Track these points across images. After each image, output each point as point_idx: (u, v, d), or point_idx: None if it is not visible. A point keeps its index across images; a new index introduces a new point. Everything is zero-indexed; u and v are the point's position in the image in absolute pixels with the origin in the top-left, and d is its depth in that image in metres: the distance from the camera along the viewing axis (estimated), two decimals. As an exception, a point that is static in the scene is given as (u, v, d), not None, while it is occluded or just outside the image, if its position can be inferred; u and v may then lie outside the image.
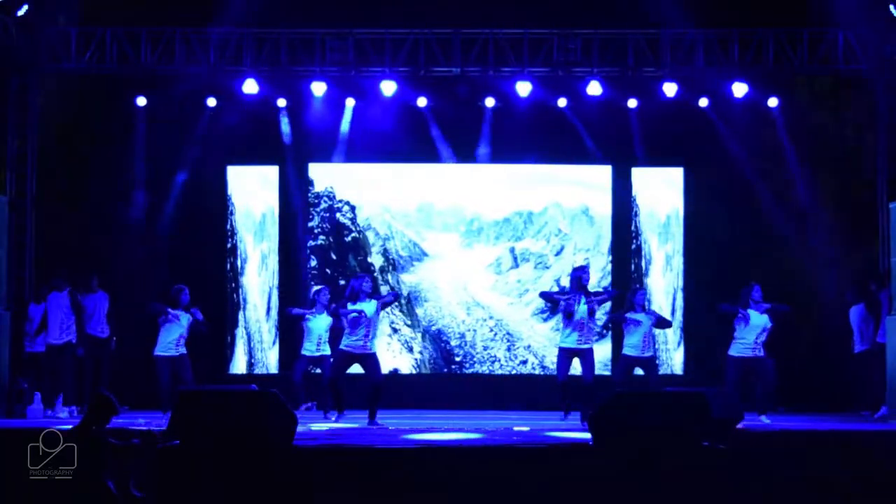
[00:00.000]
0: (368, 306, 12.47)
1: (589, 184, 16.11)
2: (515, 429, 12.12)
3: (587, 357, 12.65)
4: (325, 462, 9.75)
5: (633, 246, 16.09)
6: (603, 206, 16.09)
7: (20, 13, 13.12)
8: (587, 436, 10.25)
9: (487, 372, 15.98)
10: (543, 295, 13.46)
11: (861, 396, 13.95)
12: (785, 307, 13.07)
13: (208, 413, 9.77)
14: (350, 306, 12.45)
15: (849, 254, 15.01)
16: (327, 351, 13.78)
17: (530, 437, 11.16)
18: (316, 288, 14.41)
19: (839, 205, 15.36)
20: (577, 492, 9.59)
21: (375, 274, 15.95)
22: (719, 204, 15.70)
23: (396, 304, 14.76)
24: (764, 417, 12.86)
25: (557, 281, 15.48)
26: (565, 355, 12.71)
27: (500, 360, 15.99)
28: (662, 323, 13.57)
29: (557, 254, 15.98)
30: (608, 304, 13.82)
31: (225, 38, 13.97)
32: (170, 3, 14.22)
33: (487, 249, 16.10)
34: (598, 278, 15.71)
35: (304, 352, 13.87)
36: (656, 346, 13.95)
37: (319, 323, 13.73)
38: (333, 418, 12.78)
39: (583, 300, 12.58)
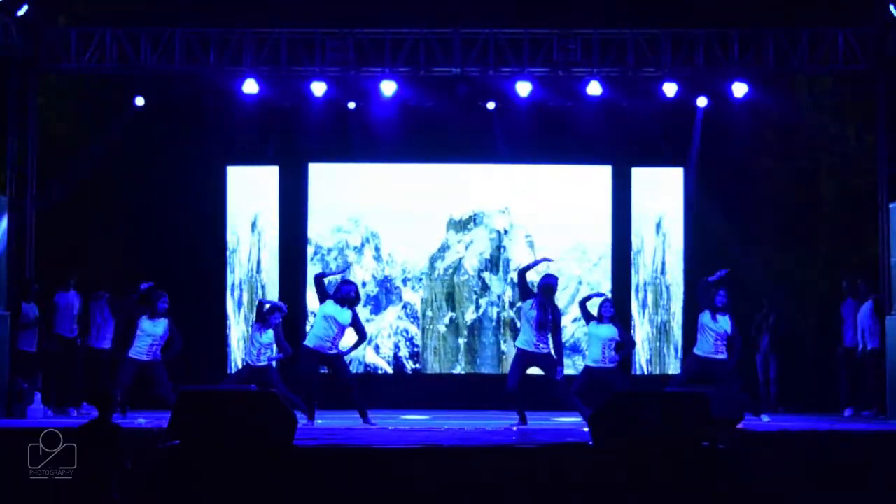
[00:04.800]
0: (344, 315, 12.64)
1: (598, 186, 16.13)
2: (515, 429, 12.13)
3: (545, 363, 12.55)
4: (325, 462, 9.75)
5: (633, 246, 16.08)
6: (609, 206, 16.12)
7: (20, 13, 13.11)
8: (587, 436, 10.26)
9: (493, 372, 15.96)
10: (522, 272, 12.86)
11: (861, 396, 13.95)
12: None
13: (208, 413, 9.78)
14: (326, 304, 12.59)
15: (849, 254, 15.01)
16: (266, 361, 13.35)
17: (530, 436, 11.16)
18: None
19: (839, 205, 15.36)
20: (577, 492, 9.59)
21: (373, 274, 15.98)
22: (719, 204, 15.70)
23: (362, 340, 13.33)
24: (764, 417, 12.87)
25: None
26: (520, 359, 12.57)
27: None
28: (624, 345, 13.10)
29: (578, 259, 16.00)
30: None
31: (225, 38, 13.97)
32: (170, 3, 14.21)
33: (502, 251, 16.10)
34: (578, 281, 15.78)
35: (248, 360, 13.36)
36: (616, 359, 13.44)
37: (266, 337, 13.19)
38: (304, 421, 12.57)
39: (547, 308, 12.51)
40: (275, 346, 13.11)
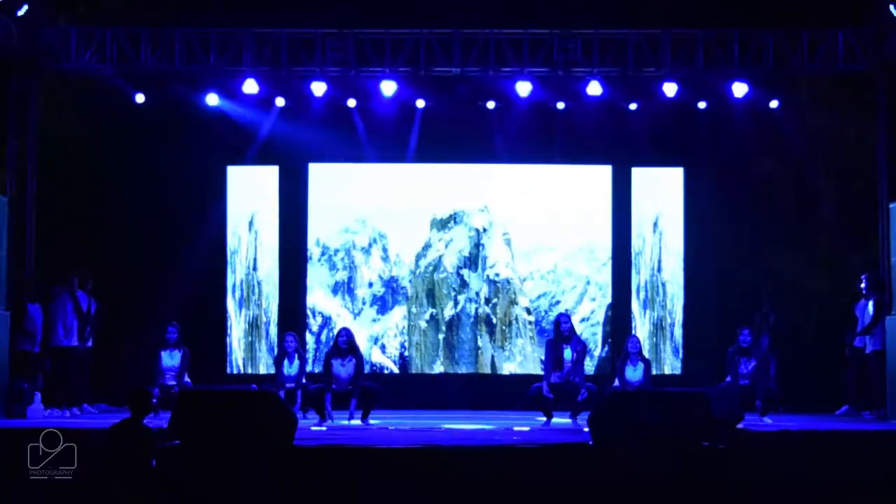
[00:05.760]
0: (349, 367, 13.03)
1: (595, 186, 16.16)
2: (515, 429, 12.13)
3: (572, 390, 12.91)
4: (325, 462, 9.75)
5: (633, 246, 16.08)
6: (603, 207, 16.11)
7: (20, 13, 13.11)
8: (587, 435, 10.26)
9: (490, 372, 15.97)
10: (546, 367, 13.38)
11: (863, 397, 13.93)
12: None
13: (208, 413, 9.78)
14: (334, 363, 13.05)
15: (849, 254, 15.00)
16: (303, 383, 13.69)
17: (530, 436, 11.17)
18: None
19: (839, 205, 15.36)
20: (577, 492, 9.60)
21: (378, 274, 16.00)
22: (719, 204, 15.70)
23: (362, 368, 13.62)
24: (766, 419, 12.86)
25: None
26: (548, 386, 12.98)
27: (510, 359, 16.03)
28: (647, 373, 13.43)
29: (584, 260, 16.02)
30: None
31: (225, 38, 13.97)
32: (170, 3, 14.20)
33: (500, 251, 16.09)
34: (586, 281, 15.79)
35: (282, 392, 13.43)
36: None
37: (293, 369, 13.54)
38: (316, 421, 12.77)
39: (567, 350, 12.96)
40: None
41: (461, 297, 16.04)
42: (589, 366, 15.17)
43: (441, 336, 16.02)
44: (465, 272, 16.04)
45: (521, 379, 15.72)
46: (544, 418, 12.84)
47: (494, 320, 15.99)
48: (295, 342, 13.73)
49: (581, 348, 13.18)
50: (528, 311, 15.97)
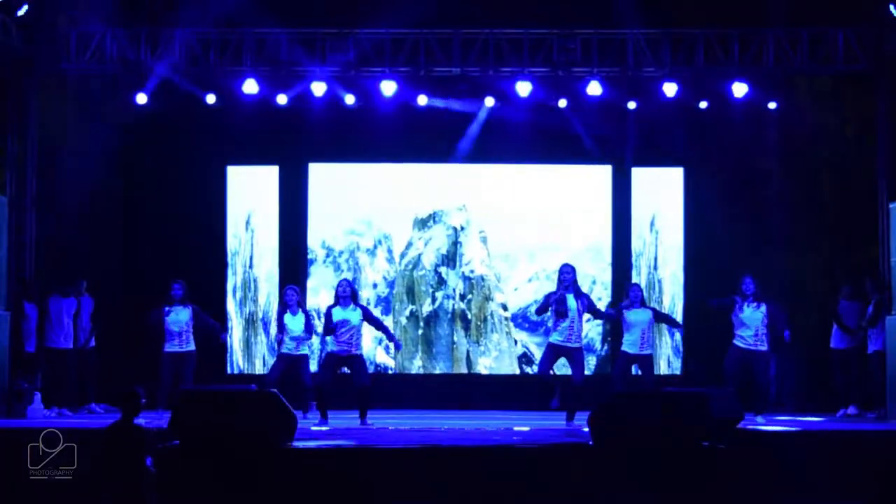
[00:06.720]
0: (353, 315, 12.78)
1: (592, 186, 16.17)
2: (515, 429, 12.13)
3: (576, 357, 12.65)
4: (325, 462, 9.76)
5: (633, 246, 16.08)
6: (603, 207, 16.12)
7: (20, 13, 13.11)
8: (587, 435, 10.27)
9: (491, 372, 15.98)
10: (538, 311, 13.15)
11: (860, 397, 13.94)
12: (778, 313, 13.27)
13: (208, 413, 9.79)
14: (334, 311, 12.79)
15: (849, 254, 15.00)
16: (306, 350, 13.57)
17: (530, 436, 11.17)
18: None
19: (839, 205, 15.36)
20: (577, 492, 9.60)
21: (383, 275, 16.01)
22: (719, 204, 15.69)
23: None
24: (759, 418, 12.83)
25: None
26: (551, 351, 12.76)
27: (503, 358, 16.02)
28: (660, 318, 13.76)
29: (590, 260, 16.04)
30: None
31: (225, 38, 13.97)
32: (172, 3, 14.21)
33: (498, 251, 16.09)
34: (592, 281, 15.82)
35: (283, 350, 13.45)
36: (654, 344, 13.95)
37: (296, 323, 13.37)
38: (317, 421, 12.66)
39: (571, 297, 12.64)
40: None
41: (439, 294, 16.08)
42: (590, 362, 15.15)
43: (420, 332, 16.06)
44: (442, 269, 16.07)
45: (521, 378, 15.79)
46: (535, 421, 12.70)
47: (470, 316, 16.03)
48: (297, 296, 13.48)
49: (586, 301, 12.76)
50: (504, 308, 15.99)
